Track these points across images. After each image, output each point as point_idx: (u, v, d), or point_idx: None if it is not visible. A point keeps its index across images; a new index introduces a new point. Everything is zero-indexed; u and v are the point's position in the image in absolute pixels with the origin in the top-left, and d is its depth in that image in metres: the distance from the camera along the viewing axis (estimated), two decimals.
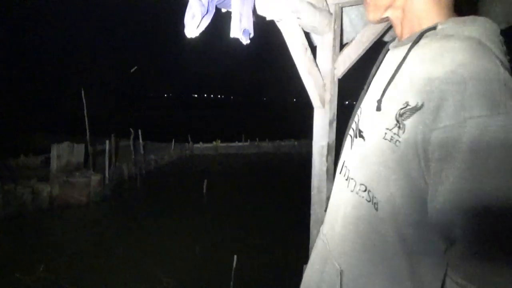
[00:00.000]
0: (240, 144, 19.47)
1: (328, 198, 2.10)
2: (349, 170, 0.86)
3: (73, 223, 8.47)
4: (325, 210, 1.03)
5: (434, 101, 0.62)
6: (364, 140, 0.82)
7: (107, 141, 10.66)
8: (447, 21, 0.74)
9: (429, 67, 0.67)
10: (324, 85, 2.00)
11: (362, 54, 2.02)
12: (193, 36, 1.26)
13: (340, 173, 0.93)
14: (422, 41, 0.74)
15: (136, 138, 13.79)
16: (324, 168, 2.09)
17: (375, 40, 1.99)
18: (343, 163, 0.92)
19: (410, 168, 0.66)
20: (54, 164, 9.45)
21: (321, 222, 2.16)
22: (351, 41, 2.03)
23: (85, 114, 10.60)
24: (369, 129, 0.81)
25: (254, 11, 1.41)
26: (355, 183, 0.81)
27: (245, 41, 1.33)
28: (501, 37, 0.71)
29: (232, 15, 1.28)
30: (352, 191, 0.82)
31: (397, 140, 0.69)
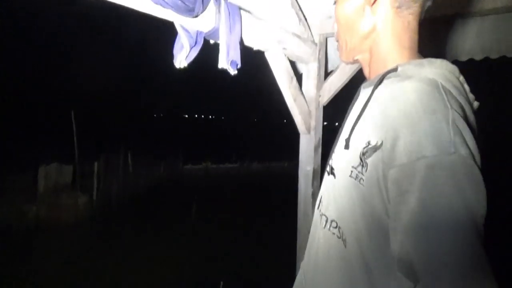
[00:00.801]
0: (230, 165, 19.44)
1: None
2: (323, 206, 0.89)
3: (57, 244, 8.27)
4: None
5: (390, 140, 0.65)
6: (334, 177, 0.85)
7: (96, 162, 10.57)
8: (408, 63, 0.77)
9: (387, 107, 0.71)
10: (310, 112, 2.06)
11: (346, 82, 2.10)
12: (182, 67, 1.31)
13: (317, 208, 0.95)
14: (385, 82, 0.78)
15: (125, 157, 13.69)
16: (310, 193, 2.12)
17: (358, 69, 2.06)
18: (320, 198, 0.95)
19: (374, 205, 0.68)
20: (41, 184, 9.32)
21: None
22: (336, 69, 2.11)
23: (74, 135, 10.53)
24: (339, 166, 0.83)
25: (242, 41, 1.47)
26: (326, 219, 0.84)
27: (233, 71, 1.37)
28: (461, 77, 0.76)
29: (220, 47, 1.33)
30: (324, 227, 0.85)
31: (361, 178, 0.71)
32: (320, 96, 2.09)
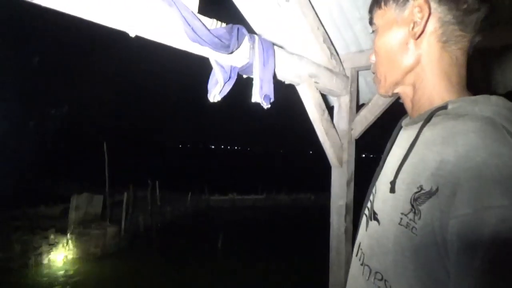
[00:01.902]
0: (256, 196, 19.31)
1: (347, 261, 2.05)
2: (364, 254, 0.81)
3: (84, 275, 8.33)
4: (345, 281, 0.95)
5: (449, 187, 0.58)
6: (379, 223, 0.77)
7: (125, 193, 10.78)
8: (458, 100, 0.71)
9: (442, 149, 0.64)
10: (342, 145, 2.02)
11: (379, 115, 2.06)
12: (216, 101, 1.32)
13: (356, 255, 0.86)
14: (433, 120, 0.72)
15: (153, 189, 13.89)
16: (343, 229, 2.05)
17: (391, 102, 2.03)
18: (359, 245, 0.86)
19: (430, 258, 0.60)
20: (72, 215, 9.55)
21: (339, 284, 2.09)
22: (368, 102, 2.08)
23: (106, 167, 10.83)
24: (384, 212, 0.76)
25: (274, 75, 1.48)
26: (370, 270, 0.76)
27: (266, 105, 1.37)
28: None
29: (254, 81, 1.34)
30: (367, 279, 0.76)
31: (413, 227, 0.63)
32: (352, 129, 2.06)
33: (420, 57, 0.76)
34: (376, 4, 0.82)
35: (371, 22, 0.86)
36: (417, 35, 0.74)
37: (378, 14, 0.82)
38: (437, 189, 0.60)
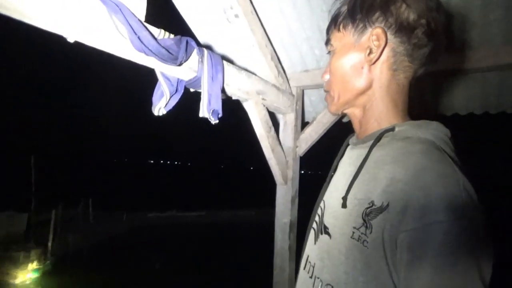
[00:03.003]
0: (196, 213, 18.92)
1: (290, 278, 2.04)
2: (313, 267, 0.83)
3: None
4: None
5: (399, 203, 0.63)
6: (330, 237, 0.79)
7: (54, 211, 9.96)
8: (404, 123, 0.78)
9: (392, 168, 0.69)
10: (287, 162, 2.03)
11: (323, 133, 2.12)
12: (161, 114, 1.26)
13: (304, 268, 0.88)
14: (382, 141, 0.78)
15: (86, 206, 13.02)
16: (287, 247, 2.04)
17: (335, 121, 2.10)
18: (307, 258, 0.88)
19: (379, 271, 0.65)
20: None
21: None
22: (312, 121, 2.13)
23: (33, 182, 9.97)
24: (335, 226, 0.79)
25: (223, 90, 1.45)
26: (321, 283, 0.78)
27: (214, 121, 1.33)
28: (451, 139, 0.77)
29: (202, 96, 1.30)
30: None
31: (364, 240, 0.67)
32: (297, 146, 2.09)
33: (372, 81, 0.82)
34: (335, 27, 0.86)
35: (327, 43, 0.90)
36: (372, 61, 0.79)
37: (336, 37, 0.86)
38: (387, 205, 0.65)
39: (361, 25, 0.80)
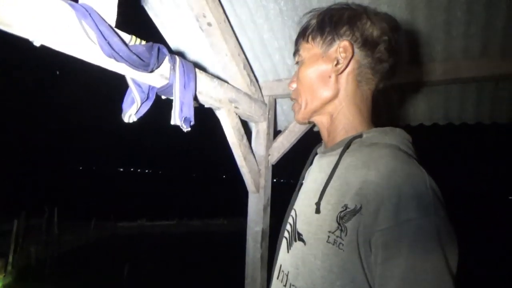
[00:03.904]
0: (167, 222, 18.56)
1: None
2: (287, 276, 0.83)
3: None
4: None
5: (372, 204, 0.66)
6: (304, 244, 0.80)
7: (15, 221, 9.49)
8: (371, 130, 0.83)
9: (363, 172, 0.72)
10: (259, 170, 2.04)
11: (294, 142, 2.14)
12: (131, 121, 1.23)
13: (277, 278, 0.88)
14: (350, 147, 0.82)
15: (50, 216, 12.49)
16: (258, 255, 2.04)
17: (306, 130, 2.13)
18: (280, 267, 0.89)
19: (355, 273, 0.67)
20: None
21: None
22: (284, 130, 2.15)
23: None
24: (310, 232, 0.80)
25: (195, 98, 1.44)
26: None
27: (186, 128, 1.32)
28: (413, 144, 0.83)
29: (174, 103, 1.28)
30: None
31: (340, 243, 0.69)
32: (269, 155, 2.10)
33: (339, 91, 0.86)
34: (303, 38, 0.91)
35: (295, 54, 0.94)
36: (339, 71, 0.84)
37: (305, 48, 0.90)
38: (360, 207, 0.68)
39: (329, 38, 0.85)
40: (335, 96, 0.86)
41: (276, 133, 2.23)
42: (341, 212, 0.71)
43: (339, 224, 0.71)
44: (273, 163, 2.14)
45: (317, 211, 0.78)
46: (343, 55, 0.82)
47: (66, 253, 12.34)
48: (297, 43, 0.93)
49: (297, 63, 0.94)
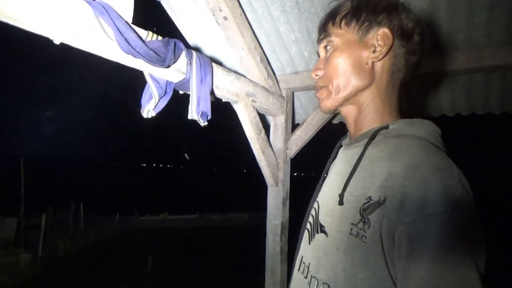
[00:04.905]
0: (188, 216, 18.81)
1: (282, 281, 2.04)
2: (308, 268, 0.82)
3: None
4: None
5: (397, 196, 0.64)
6: (326, 236, 0.79)
7: (44, 215, 9.81)
8: (398, 121, 0.81)
9: (389, 163, 0.70)
10: (278, 164, 2.04)
11: (313, 135, 2.12)
12: (150, 117, 1.25)
13: (298, 270, 0.88)
14: (376, 139, 0.80)
15: (76, 210, 12.86)
16: (278, 249, 2.04)
17: (325, 123, 2.11)
18: (301, 259, 0.88)
19: (378, 266, 0.65)
20: None
21: None
22: (302, 123, 2.14)
23: (22, 186, 9.80)
24: (332, 224, 0.79)
25: (212, 92, 1.45)
26: (317, 282, 0.77)
27: (203, 123, 1.33)
28: (442, 137, 0.80)
29: (191, 98, 1.29)
30: None
31: (363, 235, 0.68)
32: (287, 148, 2.09)
33: (373, 79, 0.84)
34: (333, 24, 0.87)
35: (323, 39, 0.90)
36: (378, 58, 0.82)
37: (338, 33, 0.86)
38: (384, 199, 0.66)
39: (366, 24, 0.83)
40: (370, 84, 0.84)
41: (294, 126, 2.21)
42: (364, 204, 0.70)
43: (362, 216, 0.69)
44: (292, 157, 2.13)
45: (340, 202, 0.77)
46: (381, 42, 0.81)
47: (91, 246, 12.70)
48: (325, 28, 0.89)
49: (325, 47, 0.90)
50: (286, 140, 2.09)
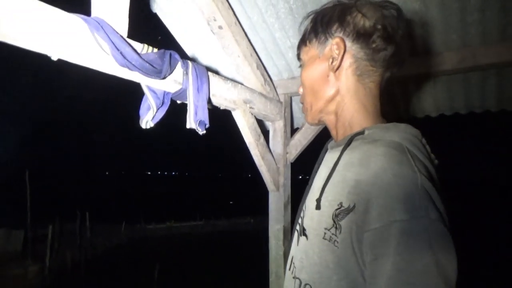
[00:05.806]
0: (194, 223, 18.83)
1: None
2: (295, 268, 0.86)
3: None
4: None
5: (363, 203, 0.66)
6: (307, 238, 0.83)
7: (50, 226, 9.86)
8: (374, 126, 0.82)
9: (358, 170, 0.73)
10: (278, 169, 2.05)
11: (312, 139, 2.14)
12: (148, 127, 1.28)
13: (289, 269, 0.91)
14: (353, 144, 0.82)
15: (83, 220, 12.92)
16: (281, 253, 2.05)
17: (323, 126, 2.12)
18: (291, 259, 0.91)
19: (350, 269, 0.68)
20: None
21: None
22: (301, 127, 2.16)
23: (28, 197, 9.85)
24: (311, 227, 0.82)
25: (209, 101, 1.47)
26: (300, 283, 0.80)
27: (201, 131, 1.35)
28: (423, 139, 0.81)
29: (188, 107, 1.32)
30: None
31: (335, 240, 0.71)
32: (287, 153, 2.11)
33: (339, 88, 0.87)
34: (302, 42, 0.94)
35: (298, 58, 0.97)
36: (335, 68, 0.85)
37: (304, 51, 0.94)
38: (354, 206, 0.68)
39: (322, 38, 0.87)
40: (336, 93, 0.87)
41: (293, 131, 2.23)
42: (336, 209, 0.72)
43: (334, 221, 0.72)
44: (292, 161, 2.15)
45: (318, 207, 0.80)
46: (336, 52, 0.83)
47: (99, 255, 12.73)
48: (299, 47, 0.96)
49: (300, 66, 0.96)
50: (286, 144, 2.11)
